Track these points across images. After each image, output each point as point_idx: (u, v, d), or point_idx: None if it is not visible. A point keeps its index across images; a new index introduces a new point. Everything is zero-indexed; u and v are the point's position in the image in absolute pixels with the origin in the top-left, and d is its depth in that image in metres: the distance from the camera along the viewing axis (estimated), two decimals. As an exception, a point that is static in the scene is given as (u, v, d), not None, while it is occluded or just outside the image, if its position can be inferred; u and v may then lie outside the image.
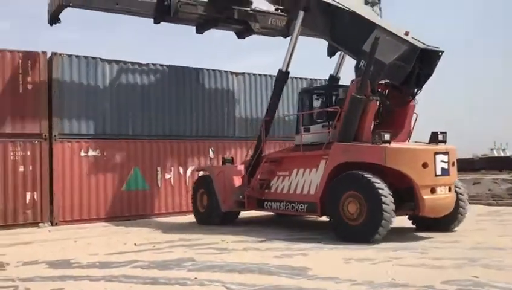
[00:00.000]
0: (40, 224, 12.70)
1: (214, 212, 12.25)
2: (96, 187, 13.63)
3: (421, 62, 9.44)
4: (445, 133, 9.64)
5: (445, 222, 9.75)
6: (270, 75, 16.76)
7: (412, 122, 10.26)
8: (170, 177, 14.91)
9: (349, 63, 11.22)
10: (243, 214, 13.61)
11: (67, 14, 13.40)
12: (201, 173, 13.84)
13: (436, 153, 9.03)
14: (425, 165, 8.86)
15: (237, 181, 12.30)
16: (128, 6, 13.81)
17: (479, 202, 16.30)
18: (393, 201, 8.63)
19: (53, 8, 13.30)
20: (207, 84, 15.93)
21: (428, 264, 6.88)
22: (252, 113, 16.68)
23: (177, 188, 14.93)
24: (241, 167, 12.61)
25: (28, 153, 12.76)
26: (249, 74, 16.84)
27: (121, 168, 14.13)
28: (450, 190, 9.30)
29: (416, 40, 9.53)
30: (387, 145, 8.90)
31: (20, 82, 12.81)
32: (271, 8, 14.78)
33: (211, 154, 14.72)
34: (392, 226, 8.66)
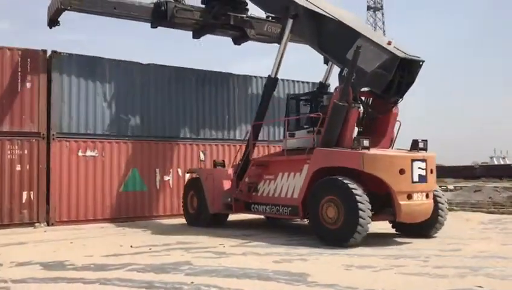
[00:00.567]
0: (36, 224, 12.54)
1: (202, 214, 12.42)
2: (94, 188, 13.49)
3: (403, 71, 9.60)
4: (426, 141, 9.84)
5: (425, 228, 9.90)
6: (297, 81, 16.85)
7: (395, 130, 10.42)
8: (169, 179, 14.75)
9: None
10: (241, 217, 13.58)
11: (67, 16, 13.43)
12: (191, 175, 13.87)
13: (413, 160, 9.19)
14: (402, 171, 9.02)
15: (226, 184, 12.46)
16: (126, 10, 14.03)
17: (480, 210, 16.16)
18: (370, 207, 8.79)
19: (52, 11, 13.45)
20: (208, 85, 15.79)
21: (431, 273, 6.73)
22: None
23: (175, 190, 14.73)
24: (231, 171, 12.77)
25: (26, 151, 12.61)
26: (251, 76, 16.72)
27: (119, 169, 13.98)
28: (427, 196, 9.42)
29: (398, 49, 9.68)
30: (365, 151, 9.07)
31: (19, 80, 12.67)
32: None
33: (202, 157, 14.62)
34: (392, 233, 8.56)
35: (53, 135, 12.97)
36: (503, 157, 64.23)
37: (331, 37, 10.69)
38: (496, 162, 61.02)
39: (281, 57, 11.67)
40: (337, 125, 9.68)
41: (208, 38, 15.84)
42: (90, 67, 13.71)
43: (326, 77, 12.91)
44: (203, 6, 14.86)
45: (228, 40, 16.26)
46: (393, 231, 10.43)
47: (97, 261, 7.78)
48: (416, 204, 9.17)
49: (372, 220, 8.98)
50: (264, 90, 12.17)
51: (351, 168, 9.16)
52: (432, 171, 9.51)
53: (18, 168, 12.50)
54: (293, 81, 17.17)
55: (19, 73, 12.68)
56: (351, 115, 9.68)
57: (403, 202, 8.97)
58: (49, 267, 7.37)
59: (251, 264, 7.35)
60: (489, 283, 6.04)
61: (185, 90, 15.32)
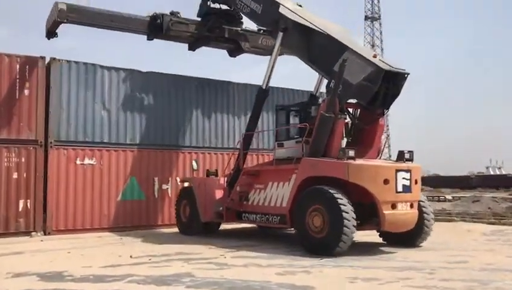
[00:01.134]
0: (33, 233, 12.31)
1: (194, 222, 12.49)
2: (92, 196, 13.29)
3: (388, 83, 9.72)
4: (412, 152, 9.95)
5: (411, 237, 10.00)
6: (278, 88, 16.63)
7: (383, 141, 10.58)
8: (167, 188, 14.56)
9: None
10: (233, 226, 13.53)
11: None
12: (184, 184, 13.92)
13: (397, 170, 9.30)
14: (386, 181, 9.12)
15: (218, 193, 12.52)
16: (122, 23, 14.20)
17: (481, 221, 16.03)
18: (354, 216, 8.87)
19: (50, 24, 13.56)
20: (207, 93, 15.67)
21: (439, 286, 6.56)
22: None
23: (174, 199, 14.36)
24: (223, 180, 12.81)
25: (23, 159, 12.41)
26: (250, 84, 16.57)
27: (118, 177, 13.79)
28: (411, 206, 9.51)
29: (383, 62, 9.84)
30: (350, 161, 9.17)
31: (17, 87, 12.51)
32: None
33: (195, 166, 14.48)
34: (395, 245, 8.46)
35: (51, 142, 12.79)
36: (499, 168, 64.38)
37: (319, 50, 10.89)
38: (491, 172, 61.12)
39: (272, 69, 11.88)
40: (324, 136, 9.81)
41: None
42: (89, 74, 13.56)
43: (317, 89, 13.07)
44: (199, 19, 15.02)
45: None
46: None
47: (96, 272, 7.59)
48: (400, 214, 9.27)
49: (358, 230, 9.08)
50: (255, 101, 12.30)
51: (337, 178, 9.25)
52: (416, 182, 9.62)
53: (15, 176, 12.30)
54: (287, 89, 17.06)
55: (17, 80, 12.54)
56: (338, 125, 9.84)
57: (387, 211, 9.07)
58: (47, 279, 7.17)
59: (254, 277, 7.18)
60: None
61: (184, 98, 15.20)
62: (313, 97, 12.88)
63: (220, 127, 15.89)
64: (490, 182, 42.60)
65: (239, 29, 15.29)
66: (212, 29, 14.85)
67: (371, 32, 76.43)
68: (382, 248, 9.98)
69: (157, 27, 14.35)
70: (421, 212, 9.87)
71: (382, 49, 75.70)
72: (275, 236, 12.43)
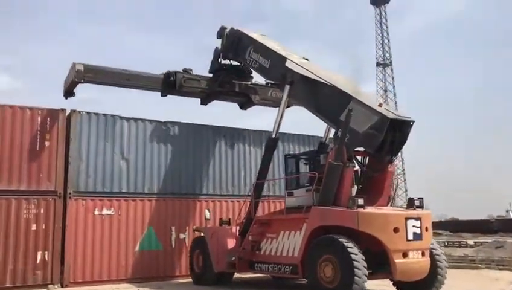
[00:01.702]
0: (50, 286, 12.18)
1: (207, 272, 12.38)
2: (109, 247, 13.21)
3: (394, 131, 9.83)
4: (422, 198, 9.94)
5: (425, 286, 9.75)
6: (293, 134, 16.82)
7: (392, 188, 10.59)
8: (184, 237, 14.43)
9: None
10: (254, 277, 13.38)
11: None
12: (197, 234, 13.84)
13: (407, 218, 9.22)
14: (396, 229, 9.04)
15: (230, 242, 12.45)
16: (137, 81, 14.68)
17: (507, 268, 15.49)
18: (365, 265, 8.74)
19: (68, 84, 14.00)
20: (223, 141, 15.78)
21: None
22: (273, 174, 15.98)
23: (191, 248, 14.35)
24: (235, 229, 12.75)
25: (42, 211, 12.45)
26: (266, 131, 16.64)
27: (135, 227, 13.73)
28: (423, 254, 9.37)
29: (388, 110, 10.00)
30: (360, 209, 9.12)
31: (38, 139, 12.73)
32: None
33: (207, 215, 14.38)
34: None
35: (70, 193, 12.85)
36: (520, 211, 62.94)
37: (326, 101, 11.09)
38: (512, 216, 59.72)
39: (280, 119, 12.18)
40: (333, 184, 9.81)
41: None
42: (108, 125, 13.79)
43: (326, 136, 13.19)
44: (210, 75, 15.53)
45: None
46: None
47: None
48: (412, 262, 9.13)
49: (370, 279, 8.94)
50: (265, 150, 12.47)
51: (348, 227, 9.17)
52: (427, 229, 9.50)
53: (34, 227, 12.30)
54: (297, 135, 17.15)
55: (38, 132, 12.77)
56: (346, 174, 9.84)
57: (398, 260, 8.95)
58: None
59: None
60: None
61: (202, 146, 15.30)
62: (322, 145, 13.03)
63: (237, 174, 15.88)
64: (511, 226, 41.55)
65: (249, 83, 15.75)
66: (223, 84, 15.34)
67: (383, 78, 77.15)
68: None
69: (170, 84, 14.84)
70: (433, 259, 9.71)
71: (395, 94, 76.10)
72: (288, 286, 12.19)
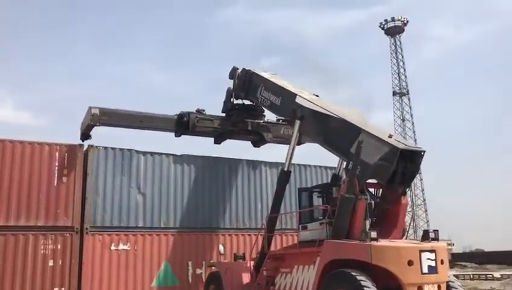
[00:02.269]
0: (66, 322, 12.08)
1: None
2: (126, 283, 13.12)
3: (405, 161, 9.82)
4: (437, 231, 9.82)
5: None
6: (311, 166, 16.78)
7: (407, 220, 10.45)
8: (201, 273, 14.25)
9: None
10: None
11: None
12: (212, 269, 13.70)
13: (421, 251, 9.06)
14: (410, 262, 8.89)
15: (245, 278, 12.36)
16: (151, 123, 15.01)
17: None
18: None
19: (84, 127, 14.38)
20: (240, 174, 15.75)
21: None
22: (290, 204, 15.85)
23: (208, 284, 14.15)
24: (250, 264, 12.67)
25: (59, 246, 12.50)
26: (282, 163, 16.58)
27: (151, 262, 13.63)
28: (439, 288, 9.15)
29: (399, 141, 10.09)
30: (372, 243, 9.02)
31: (56, 174, 12.88)
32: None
33: (222, 250, 14.22)
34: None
35: (87, 228, 12.89)
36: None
37: (336, 134, 11.22)
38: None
39: (292, 153, 12.41)
40: (345, 217, 9.76)
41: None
42: (125, 160, 13.90)
43: (339, 169, 13.18)
44: (223, 114, 15.84)
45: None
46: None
47: None
48: None
49: None
50: (277, 183, 12.56)
51: (362, 260, 9.04)
52: (442, 262, 9.31)
53: (51, 263, 12.33)
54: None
55: (56, 167, 12.92)
56: (359, 206, 9.78)
57: None
58: None
59: None
60: None
61: (218, 179, 15.27)
62: (335, 177, 13.02)
63: (254, 207, 15.77)
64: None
65: (261, 121, 15.97)
66: (236, 124, 15.60)
67: (400, 107, 76.96)
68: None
69: (184, 124, 15.11)
70: None
71: (413, 123, 75.75)
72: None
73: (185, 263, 14.10)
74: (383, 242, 9.24)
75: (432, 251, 9.20)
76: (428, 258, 9.07)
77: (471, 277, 29.37)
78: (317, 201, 11.56)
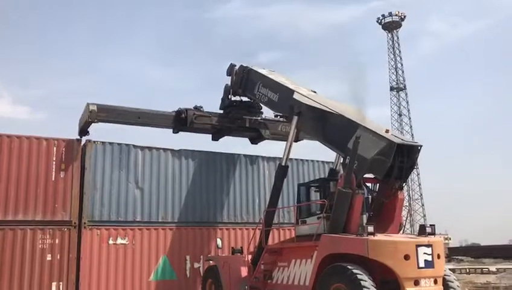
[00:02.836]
0: (64, 317, 12.10)
1: None
2: (123, 277, 13.13)
3: (402, 156, 9.87)
4: (434, 225, 9.84)
5: None
6: (308, 160, 16.81)
7: (404, 215, 10.46)
8: (199, 267, 14.28)
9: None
10: None
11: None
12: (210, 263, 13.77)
13: (418, 245, 9.10)
14: (407, 257, 8.94)
15: (243, 271, 12.39)
16: (149, 119, 14.95)
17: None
18: None
19: (82, 123, 14.31)
20: (237, 169, 15.76)
21: None
22: (288, 199, 16.01)
23: (206, 278, 14.18)
24: (247, 257, 12.69)
25: (57, 241, 12.49)
26: (280, 158, 16.58)
27: (149, 256, 13.64)
28: (435, 282, 9.20)
29: (395, 136, 10.14)
30: (369, 237, 9.04)
31: (54, 169, 12.86)
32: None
33: (219, 244, 14.27)
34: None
35: (84, 223, 12.88)
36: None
37: (333, 129, 11.25)
38: (535, 241, 58.27)
39: (289, 148, 12.43)
40: (342, 212, 9.81)
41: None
42: (122, 154, 13.89)
43: (336, 163, 13.24)
44: (221, 111, 15.85)
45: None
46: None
47: None
48: None
49: None
50: (275, 178, 12.61)
51: (359, 255, 9.09)
52: (439, 256, 9.35)
53: (49, 258, 12.33)
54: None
55: (54, 162, 12.90)
56: (356, 201, 9.84)
57: (409, 288, 8.84)
58: None
59: None
60: None
61: (216, 174, 15.27)
62: (332, 172, 13.07)
63: (251, 202, 15.79)
64: (535, 251, 40.47)
65: (259, 118, 15.98)
66: (234, 120, 15.61)
67: (397, 102, 77.01)
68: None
69: (181, 121, 15.10)
70: (447, 287, 9.58)
71: (410, 118, 75.86)
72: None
73: (183, 257, 14.13)
74: (379, 236, 9.28)
75: (428, 245, 9.25)
76: (424, 253, 9.12)
77: (468, 271, 29.53)
78: (315, 196, 11.60)
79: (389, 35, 78.60)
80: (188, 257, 14.19)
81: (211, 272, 12.98)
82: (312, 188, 11.79)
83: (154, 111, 15.07)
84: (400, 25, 78.13)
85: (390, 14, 77.53)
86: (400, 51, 77.97)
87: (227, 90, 15.87)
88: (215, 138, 16.17)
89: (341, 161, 13.05)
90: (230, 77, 15.79)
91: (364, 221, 9.89)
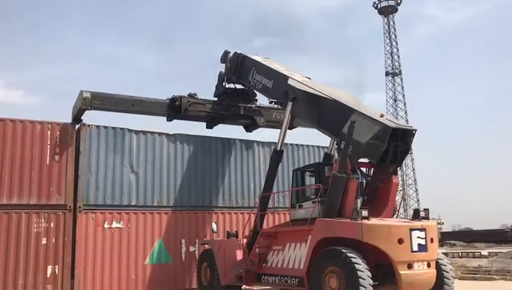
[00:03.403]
0: (60, 300, 12.15)
1: (215, 285, 12.40)
2: (119, 261, 13.17)
3: (397, 140, 9.87)
4: (428, 210, 9.92)
5: None
6: (303, 145, 16.86)
7: (398, 199, 10.54)
8: (195, 250, 14.34)
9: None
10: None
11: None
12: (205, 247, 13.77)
13: (412, 229, 9.20)
14: (400, 241, 9.02)
15: (238, 255, 12.50)
16: (143, 107, 14.77)
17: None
18: (370, 276, 8.72)
19: (75, 111, 14.14)
20: (233, 153, 15.75)
21: None
22: (283, 184, 16.05)
23: (201, 261, 14.24)
24: (242, 241, 12.78)
25: (52, 224, 12.49)
26: (275, 143, 16.57)
27: (145, 240, 13.66)
28: (429, 266, 9.29)
29: (390, 121, 10.11)
30: (363, 221, 9.10)
31: (48, 153, 12.80)
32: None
33: (214, 228, 14.29)
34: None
35: (80, 207, 12.87)
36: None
37: (328, 115, 11.23)
38: (526, 225, 58.81)
39: (284, 133, 12.48)
40: (337, 196, 9.85)
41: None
42: (117, 138, 13.83)
43: (331, 148, 13.25)
44: (215, 99, 15.75)
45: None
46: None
47: None
48: (417, 274, 9.06)
49: None
50: (270, 163, 12.61)
51: (353, 238, 9.15)
52: (432, 240, 9.45)
53: (44, 241, 12.33)
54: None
55: (48, 146, 12.84)
56: (351, 185, 9.86)
57: (403, 271, 8.91)
58: None
59: None
60: None
61: (211, 158, 15.24)
62: (327, 157, 13.06)
63: (247, 186, 15.81)
64: (526, 235, 40.92)
65: (253, 105, 15.91)
66: (228, 108, 15.51)
67: (393, 88, 76.96)
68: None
69: (176, 108, 14.97)
70: (440, 270, 9.68)
71: (405, 104, 75.92)
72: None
73: (178, 241, 14.17)
74: (373, 221, 9.33)
75: (422, 229, 9.33)
76: (418, 237, 9.20)
77: (460, 254, 29.86)
78: (309, 180, 11.60)
79: (385, 19, 78.19)
80: (183, 241, 14.24)
81: (206, 256, 13.03)
82: (307, 172, 11.81)
83: (148, 98, 14.94)
84: (396, 10, 77.68)
85: (386, -2, 76.98)
86: (395, 36, 77.67)
87: (221, 78, 15.77)
88: (210, 126, 16.10)
89: (336, 146, 13.22)
90: (224, 64, 15.66)
91: (359, 205, 9.94)
